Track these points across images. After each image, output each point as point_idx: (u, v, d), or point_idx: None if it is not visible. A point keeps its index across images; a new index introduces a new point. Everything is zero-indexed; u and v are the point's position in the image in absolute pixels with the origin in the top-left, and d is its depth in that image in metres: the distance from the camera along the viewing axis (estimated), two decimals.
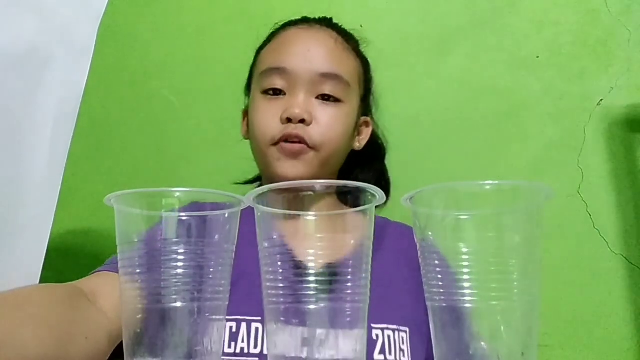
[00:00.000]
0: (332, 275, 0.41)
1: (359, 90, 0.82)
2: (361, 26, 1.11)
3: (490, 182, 0.45)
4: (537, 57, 1.10)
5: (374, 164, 0.90)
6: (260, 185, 0.87)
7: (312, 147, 0.73)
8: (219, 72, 1.15)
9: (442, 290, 0.42)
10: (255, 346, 0.64)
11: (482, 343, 0.40)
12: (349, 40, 0.82)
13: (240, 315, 0.65)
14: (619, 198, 1.04)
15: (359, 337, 0.42)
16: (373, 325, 0.66)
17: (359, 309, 0.42)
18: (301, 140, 0.72)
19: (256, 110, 0.77)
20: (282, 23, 0.84)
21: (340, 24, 0.84)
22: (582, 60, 1.10)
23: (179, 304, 0.40)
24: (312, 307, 0.40)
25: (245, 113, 0.84)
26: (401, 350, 0.67)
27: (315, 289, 0.40)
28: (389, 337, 0.67)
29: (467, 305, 0.40)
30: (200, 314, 0.41)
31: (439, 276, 0.42)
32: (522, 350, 0.40)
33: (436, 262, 0.42)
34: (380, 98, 1.10)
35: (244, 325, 0.65)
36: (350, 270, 0.42)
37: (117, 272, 0.60)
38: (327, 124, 0.74)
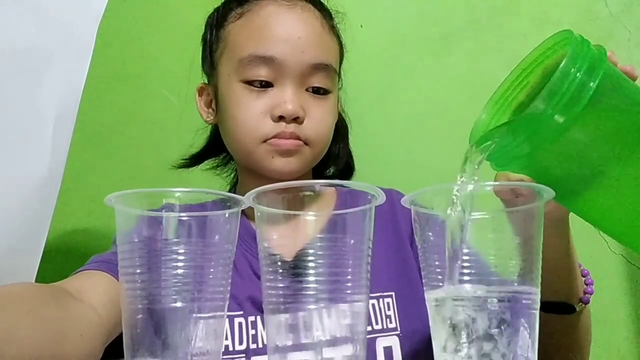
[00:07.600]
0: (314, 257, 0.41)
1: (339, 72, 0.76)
2: (361, 26, 1.12)
3: (491, 182, 0.45)
4: None
5: (339, 141, 0.83)
6: (235, 176, 0.84)
7: (306, 144, 0.69)
8: None
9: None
10: (241, 342, 0.62)
11: (482, 343, 0.40)
12: (330, 17, 0.75)
13: None
14: None
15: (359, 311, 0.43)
16: None
17: (355, 285, 0.42)
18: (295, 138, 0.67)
19: (239, 103, 0.68)
20: None
21: None
22: None
23: (179, 304, 0.40)
24: (311, 292, 0.41)
25: (202, 91, 0.77)
26: (387, 316, 0.65)
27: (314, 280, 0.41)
28: (373, 305, 0.65)
29: (467, 305, 0.40)
30: (200, 314, 0.41)
31: (439, 277, 0.42)
32: (521, 349, 0.40)
33: (436, 262, 0.42)
34: (380, 98, 1.10)
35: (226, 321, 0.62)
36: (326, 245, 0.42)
37: (100, 270, 0.60)
38: (321, 120, 0.70)
